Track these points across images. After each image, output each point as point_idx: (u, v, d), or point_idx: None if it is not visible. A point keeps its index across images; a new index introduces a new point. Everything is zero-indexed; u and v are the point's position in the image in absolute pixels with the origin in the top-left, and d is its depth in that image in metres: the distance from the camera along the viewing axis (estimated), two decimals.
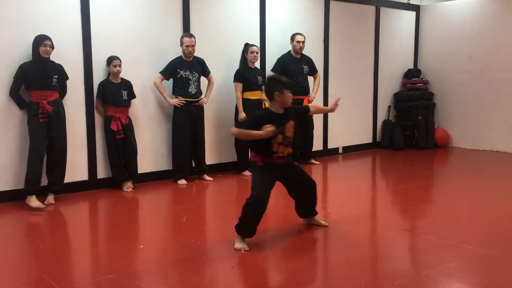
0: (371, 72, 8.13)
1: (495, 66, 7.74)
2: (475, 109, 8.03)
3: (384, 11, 8.12)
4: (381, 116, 8.39)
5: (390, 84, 8.45)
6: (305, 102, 6.46)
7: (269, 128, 3.42)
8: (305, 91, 6.60)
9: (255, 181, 3.61)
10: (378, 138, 8.32)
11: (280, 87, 3.50)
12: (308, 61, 6.73)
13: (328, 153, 7.55)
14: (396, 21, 8.39)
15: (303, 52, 6.62)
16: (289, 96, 3.55)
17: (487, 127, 7.90)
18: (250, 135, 3.51)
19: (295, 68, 6.52)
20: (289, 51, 6.63)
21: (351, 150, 7.89)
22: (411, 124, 8.20)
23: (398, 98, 8.43)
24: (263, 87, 5.92)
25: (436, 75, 8.50)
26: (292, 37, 6.58)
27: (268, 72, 6.61)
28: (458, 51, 8.16)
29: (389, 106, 8.48)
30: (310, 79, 6.77)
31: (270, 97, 3.54)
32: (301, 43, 6.52)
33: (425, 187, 5.68)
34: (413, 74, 8.51)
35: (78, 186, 5.19)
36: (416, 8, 8.61)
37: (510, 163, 6.93)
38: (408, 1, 8.47)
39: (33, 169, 4.60)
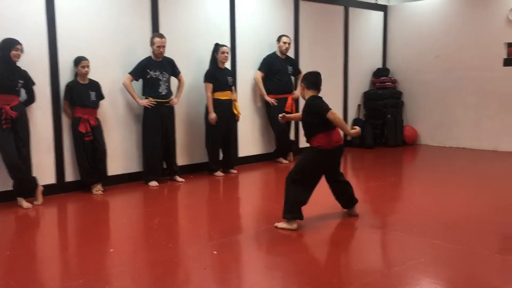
0: (341, 72, 8.22)
1: (460, 65, 7.94)
2: (442, 107, 8.21)
3: (352, 11, 8.21)
4: (352, 115, 8.49)
5: (359, 83, 8.56)
6: (289, 101, 6.74)
7: (357, 130, 4.02)
8: (289, 90, 6.87)
9: None
10: (348, 137, 8.41)
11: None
12: (292, 62, 7.01)
13: (300, 152, 7.58)
14: (365, 21, 8.50)
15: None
16: None
17: (453, 124, 8.09)
18: (344, 126, 3.95)
19: (280, 67, 6.75)
20: (275, 52, 6.83)
21: None
22: (381, 122, 8.33)
23: (368, 97, 8.55)
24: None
25: (404, 74, 8.66)
26: (279, 38, 6.79)
27: (239, 71, 6.62)
28: (425, 50, 8.33)
29: (359, 105, 8.59)
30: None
31: (318, 88, 3.94)
32: (287, 44, 6.75)
33: (395, 184, 5.78)
34: (382, 73, 8.65)
35: (45, 190, 5.05)
36: (383, 8, 8.75)
37: (476, 160, 7.12)
38: (376, 1, 8.60)
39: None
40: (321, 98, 3.95)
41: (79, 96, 5.09)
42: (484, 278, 2.95)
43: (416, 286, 2.91)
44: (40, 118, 5.02)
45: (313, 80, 3.96)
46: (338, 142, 3.92)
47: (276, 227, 3.89)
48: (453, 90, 8.05)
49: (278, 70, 6.73)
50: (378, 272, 3.08)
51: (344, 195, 4.16)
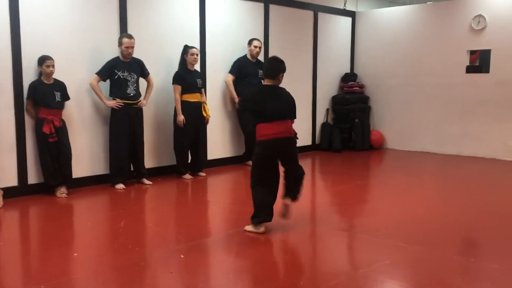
0: (310, 76, 8.30)
1: (425, 72, 8.14)
2: (407, 112, 8.40)
3: (321, 16, 8.31)
4: (320, 119, 8.57)
5: (328, 87, 8.66)
6: None
7: None
8: None
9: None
10: (317, 140, 8.50)
11: (284, 68, 3.88)
12: (262, 66, 6.91)
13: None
14: (333, 26, 8.62)
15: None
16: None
17: (418, 129, 8.29)
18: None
19: (250, 71, 6.77)
20: (245, 55, 6.85)
21: None
22: (348, 126, 8.45)
23: (336, 101, 8.66)
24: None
25: (371, 79, 8.82)
26: (250, 42, 6.81)
27: (209, 73, 6.60)
28: (392, 56, 8.51)
29: (327, 109, 8.69)
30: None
31: (274, 76, 3.82)
32: (258, 48, 6.78)
33: (362, 187, 5.87)
34: (349, 78, 8.78)
35: (6, 193, 4.89)
36: (352, 14, 8.89)
37: (440, 164, 7.30)
38: (345, 7, 8.73)
39: None
40: (253, 89, 3.92)
41: (43, 97, 4.96)
42: (447, 280, 3.03)
43: (381, 287, 2.96)
44: (2, 118, 4.86)
45: (265, 67, 3.94)
46: (276, 134, 3.72)
47: (245, 230, 3.89)
48: (417, 96, 8.25)
49: (248, 74, 6.74)
50: (344, 274, 3.12)
51: (287, 184, 3.93)
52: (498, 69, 7.36)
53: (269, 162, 3.83)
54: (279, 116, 3.77)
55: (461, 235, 3.99)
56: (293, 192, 3.91)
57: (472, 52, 7.89)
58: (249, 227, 3.88)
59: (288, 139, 3.81)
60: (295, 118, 3.93)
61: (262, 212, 3.83)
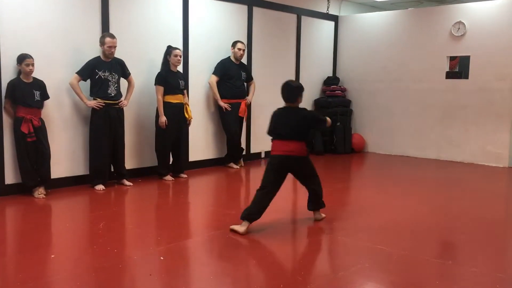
0: (292, 79, 8.31)
1: (406, 77, 8.25)
2: (388, 116, 8.49)
3: (305, 20, 8.36)
4: None
5: (310, 91, 8.69)
6: (242, 106, 6.80)
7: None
8: (243, 95, 6.92)
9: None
10: None
11: (302, 91, 4.10)
12: (246, 68, 7.05)
13: (251, 158, 7.62)
14: (316, 30, 8.67)
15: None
16: None
17: (398, 133, 8.38)
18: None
19: (234, 73, 6.77)
20: (229, 57, 6.84)
21: None
22: (330, 130, 8.50)
23: (318, 105, 8.71)
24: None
25: (353, 83, 8.89)
26: (234, 44, 6.80)
27: (191, 75, 6.58)
28: (373, 61, 8.59)
29: None
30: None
31: (294, 100, 4.06)
32: (241, 50, 6.77)
33: (343, 191, 5.91)
34: (332, 81, 8.84)
35: None
36: (334, 18, 8.96)
37: (419, 167, 7.39)
38: (327, 11, 8.79)
39: None
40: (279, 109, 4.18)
41: (22, 95, 4.88)
42: (425, 282, 3.07)
43: None
44: None
45: (284, 93, 4.14)
46: (283, 151, 3.99)
47: (231, 229, 3.95)
48: (398, 100, 8.35)
49: (232, 76, 6.75)
50: (323, 277, 3.13)
51: (309, 198, 4.32)
52: (477, 75, 7.49)
53: (276, 173, 4.02)
54: (283, 136, 4.02)
55: (439, 239, 4.04)
56: (319, 204, 4.32)
57: (452, 58, 8.02)
58: (234, 226, 3.95)
59: (296, 157, 4.01)
60: (306, 139, 4.07)
61: (248, 213, 3.93)
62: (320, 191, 4.29)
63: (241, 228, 3.88)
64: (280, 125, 4.05)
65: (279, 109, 4.17)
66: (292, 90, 4.08)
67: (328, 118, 4.19)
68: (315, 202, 4.31)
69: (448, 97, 7.79)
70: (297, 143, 4.00)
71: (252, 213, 3.93)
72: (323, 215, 4.38)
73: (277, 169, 4.02)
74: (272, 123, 4.14)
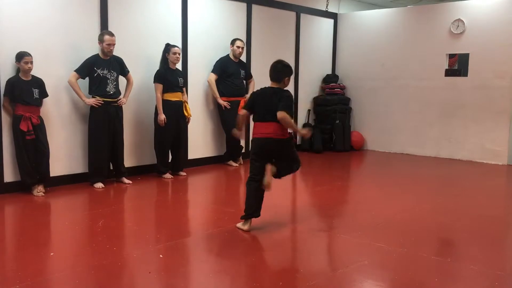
0: (292, 77, 8.28)
1: (405, 74, 8.24)
2: (387, 114, 8.49)
3: (304, 17, 8.35)
4: (301, 120, 8.61)
5: (309, 88, 8.70)
6: (241, 104, 6.63)
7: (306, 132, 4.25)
8: (242, 93, 6.89)
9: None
10: (298, 141, 8.53)
11: (290, 72, 3.91)
12: (245, 66, 7.02)
13: (249, 155, 7.60)
14: (316, 28, 8.66)
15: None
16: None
17: (397, 131, 8.38)
18: (294, 127, 3.90)
19: (233, 71, 6.76)
20: (228, 55, 6.83)
21: None
22: (329, 127, 8.50)
23: (317, 103, 8.71)
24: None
25: (352, 81, 8.89)
26: (233, 42, 6.79)
27: (190, 72, 6.56)
28: (372, 59, 8.59)
29: (309, 110, 8.73)
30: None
31: (279, 80, 3.88)
32: (240, 48, 6.76)
33: (342, 188, 5.91)
34: (331, 79, 8.84)
35: None
36: (334, 16, 8.95)
37: (418, 165, 7.40)
38: (327, 9, 8.78)
39: None
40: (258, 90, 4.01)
41: (21, 93, 4.87)
42: (423, 280, 3.07)
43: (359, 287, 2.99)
44: None
45: (271, 70, 3.98)
46: (262, 134, 3.83)
47: (236, 227, 3.98)
48: (397, 98, 8.34)
49: (231, 74, 6.74)
50: (323, 274, 3.14)
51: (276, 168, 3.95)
52: (476, 73, 7.48)
53: (258, 157, 3.89)
54: (262, 117, 3.85)
55: (438, 236, 4.05)
56: (279, 174, 3.97)
57: (451, 56, 8.02)
58: (239, 224, 3.97)
59: (274, 140, 3.82)
60: (281, 111, 3.77)
61: (248, 210, 3.92)
62: (288, 170, 4.01)
63: (244, 226, 3.92)
64: (261, 106, 3.85)
65: (262, 88, 3.96)
66: (281, 68, 3.88)
67: (302, 130, 4.09)
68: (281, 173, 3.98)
69: (447, 95, 7.79)
70: (277, 125, 3.78)
71: (252, 213, 3.92)
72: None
73: (259, 154, 3.87)
74: (250, 102, 3.95)
